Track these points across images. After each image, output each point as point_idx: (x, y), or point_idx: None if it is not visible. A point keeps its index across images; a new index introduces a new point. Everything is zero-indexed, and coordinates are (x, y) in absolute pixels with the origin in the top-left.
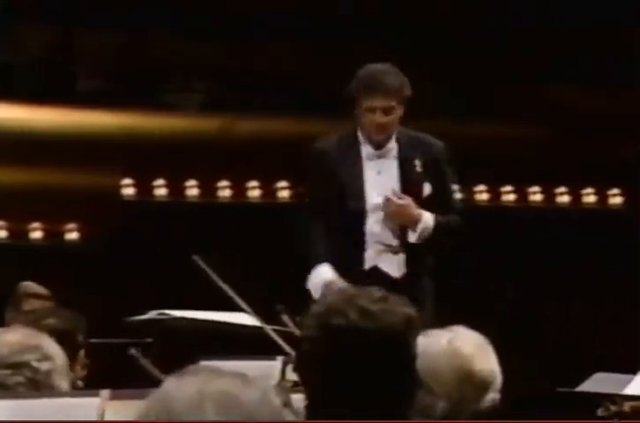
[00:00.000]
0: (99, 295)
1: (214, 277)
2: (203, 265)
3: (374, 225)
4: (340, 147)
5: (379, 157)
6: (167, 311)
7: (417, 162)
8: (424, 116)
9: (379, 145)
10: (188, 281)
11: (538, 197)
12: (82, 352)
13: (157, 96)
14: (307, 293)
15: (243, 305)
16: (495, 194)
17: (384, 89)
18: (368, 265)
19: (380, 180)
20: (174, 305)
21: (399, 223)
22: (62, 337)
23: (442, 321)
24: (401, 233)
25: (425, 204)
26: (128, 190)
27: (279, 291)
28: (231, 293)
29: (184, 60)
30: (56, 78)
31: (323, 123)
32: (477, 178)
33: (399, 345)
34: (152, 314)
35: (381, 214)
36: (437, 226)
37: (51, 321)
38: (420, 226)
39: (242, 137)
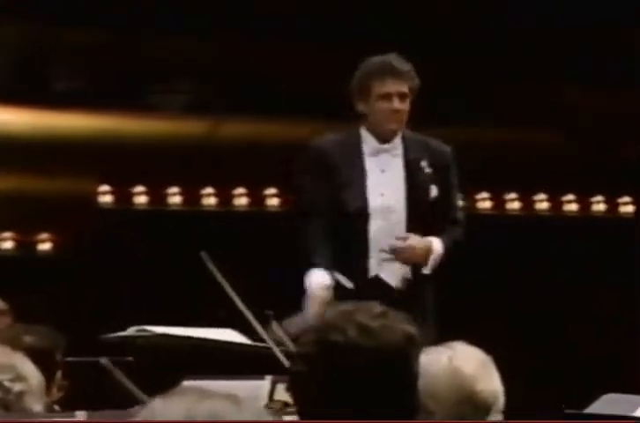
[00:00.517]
0: (73, 310)
1: (219, 276)
2: (209, 264)
3: (375, 230)
4: (340, 146)
5: (384, 151)
6: (147, 327)
7: (424, 163)
8: (423, 118)
9: (386, 140)
10: (169, 295)
11: (544, 205)
12: (59, 373)
13: (138, 97)
14: (298, 306)
15: (245, 311)
16: (499, 202)
17: (399, 73)
18: (371, 274)
19: (384, 178)
20: (156, 320)
21: (410, 262)
22: (38, 356)
23: (446, 333)
24: (414, 268)
25: (431, 207)
26: (105, 198)
27: (266, 304)
28: (234, 295)
29: (168, 59)
30: (31, 78)
31: (318, 126)
32: (479, 185)
33: (400, 363)
34: (131, 330)
35: (383, 218)
36: (447, 250)
37: (28, 338)
38: (431, 258)
39: (229, 141)
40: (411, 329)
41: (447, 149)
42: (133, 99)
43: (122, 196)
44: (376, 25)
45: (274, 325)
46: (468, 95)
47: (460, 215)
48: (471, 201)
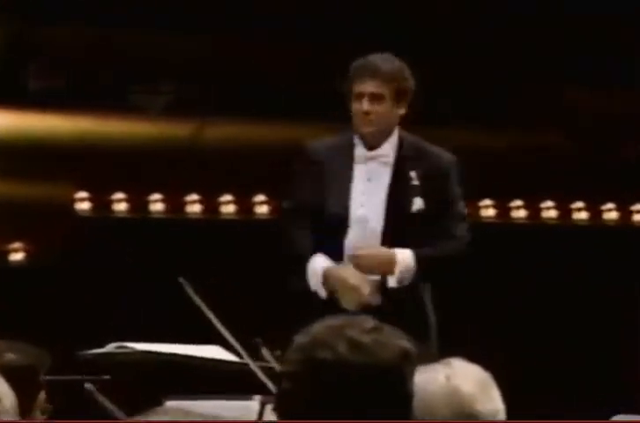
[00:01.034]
0: (48, 324)
1: (199, 302)
2: (188, 289)
3: (350, 241)
4: (333, 150)
5: (372, 159)
6: (127, 343)
7: (413, 174)
8: (423, 118)
9: (372, 146)
10: (151, 309)
11: (552, 213)
12: (43, 394)
13: (119, 98)
14: (288, 318)
15: (229, 337)
16: (504, 209)
17: (373, 72)
18: None
19: (368, 188)
20: (136, 336)
21: (374, 273)
22: (20, 375)
23: (445, 348)
24: (380, 279)
25: (412, 221)
26: (82, 205)
27: (254, 316)
28: (216, 322)
29: (151, 59)
30: (6, 77)
31: (312, 128)
32: (482, 191)
33: (394, 381)
34: (110, 346)
35: (360, 229)
36: (420, 263)
37: (11, 356)
38: (397, 269)
39: (215, 145)
40: (406, 344)
41: (448, 158)
42: (114, 99)
43: (101, 203)
44: (376, 25)
45: (264, 352)
46: (468, 95)
47: (460, 230)
48: (473, 208)
